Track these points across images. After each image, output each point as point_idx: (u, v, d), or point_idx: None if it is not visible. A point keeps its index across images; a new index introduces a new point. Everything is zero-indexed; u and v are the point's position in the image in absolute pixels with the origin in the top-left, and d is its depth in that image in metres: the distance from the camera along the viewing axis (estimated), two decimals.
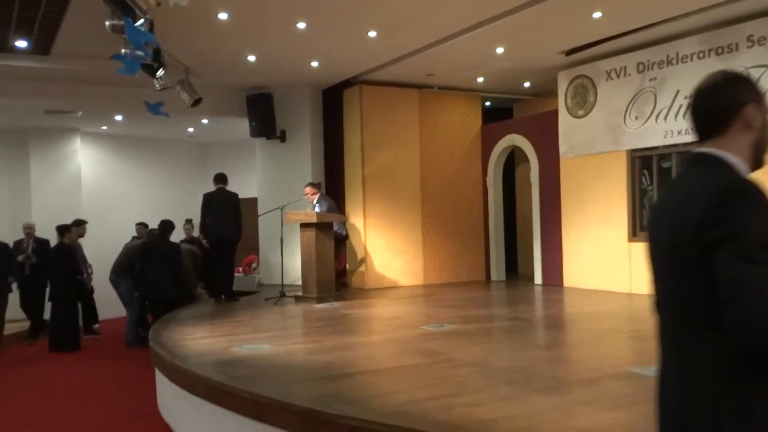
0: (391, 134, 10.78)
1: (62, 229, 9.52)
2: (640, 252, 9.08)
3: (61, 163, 11.94)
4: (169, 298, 8.86)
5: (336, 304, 8.75)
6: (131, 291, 9.44)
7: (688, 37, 8.33)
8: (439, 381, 4.51)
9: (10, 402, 6.64)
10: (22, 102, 9.78)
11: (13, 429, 5.73)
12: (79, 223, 10.12)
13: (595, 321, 7.09)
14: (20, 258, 9.76)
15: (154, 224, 9.92)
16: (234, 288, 9.59)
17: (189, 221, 11.02)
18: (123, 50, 6.04)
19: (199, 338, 6.46)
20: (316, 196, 9.66)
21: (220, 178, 9.48)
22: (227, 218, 9.19)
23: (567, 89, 9.96)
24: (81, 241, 10.17)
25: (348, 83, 10.74)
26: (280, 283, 9.85)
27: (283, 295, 9.17)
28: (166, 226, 9.31)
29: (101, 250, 10.80)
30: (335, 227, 9.33)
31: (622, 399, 3.95)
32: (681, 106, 8.47)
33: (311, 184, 9.81)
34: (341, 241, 9.81)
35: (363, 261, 10.57)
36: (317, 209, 9.33)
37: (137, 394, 6.69)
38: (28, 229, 10.11)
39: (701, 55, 8.22)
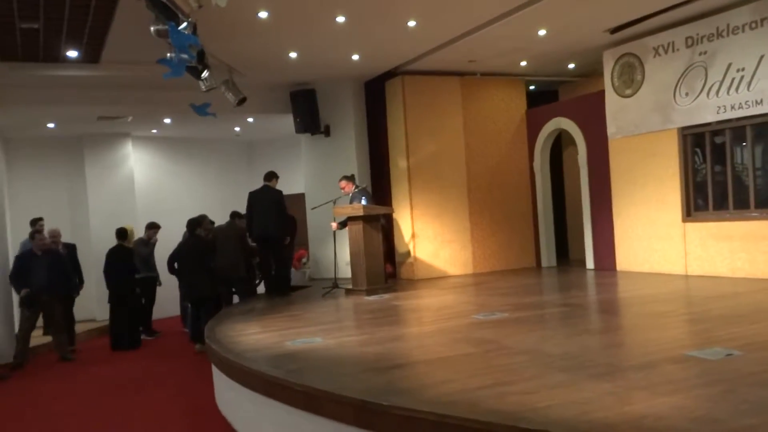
0: (434, 124, 10.73)
1: (121, 232, 9.86)
2: (695, 232, 8.84)
3: (114, 167, 12.29)
4: (205, 296, 8.89)
5: (386, 295, 8.79)
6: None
7: (738, 8, 8.04)
8: (491, 369, 4.49)
9: (76, 396, 6.90)
10: (76, 109, 10.09)
11: (79, 423, 5.96)
12: (151, 227, 10.46)
13: (650, 304, 6.95)
14: None
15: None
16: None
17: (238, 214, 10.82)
18: (168, 54, 6.17)
19: (252, 333, 6.56)
20: (351, 188, 9.66)
21: (267, 176, 9.56)
22: (269, 216, 9.24)
23: (613, 68, 9.74)
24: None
25: (390, 74, 10.74)
26: (329, 277, 9.94)
27: (336, 286, 9.26)
28: (192, 223, 9.28)
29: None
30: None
31: (679, 383, 3.86)
32: (733, 79, 8.19)
33: (345, 177, 9.81)
34: None
35: (411, 252, 10.58)
36: (362, 201, 9.35)
37: (196, 390, 6.86)
38: (55, 237, 9.51)
39: (753, 25, 7.92)
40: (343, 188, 9.73)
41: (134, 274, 9.78)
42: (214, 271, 9.11)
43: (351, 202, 9.51)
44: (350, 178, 9.82)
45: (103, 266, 9.79)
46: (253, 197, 9.41)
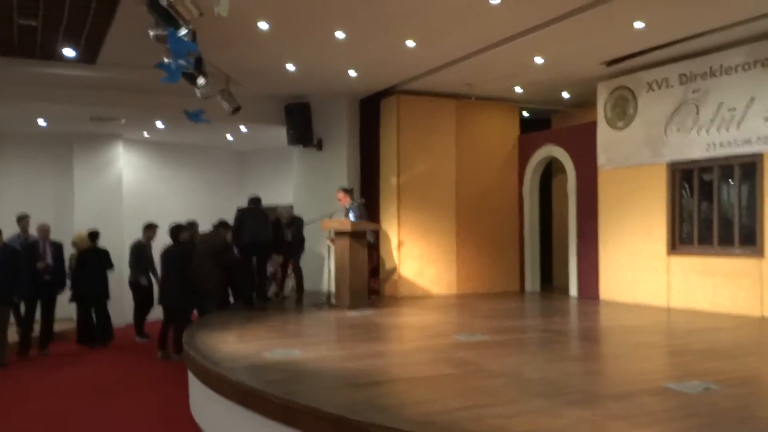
0: (427, 144, 10.78)
1: (94, 235, 9.91)
2: (678, 266, 8.90)
3: (103, 168, 12.22)
4: (175, 306, 8.57)
5: (368, 311, 8.76)
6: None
7: (733, 48, 8.16)
8: (470, 391, 4.48)
9: (46, 400, 6.79)
10: (69, 108, 10.04)
11: (49, 427, 5.86)
12: (150, 227, 10.42)
13: (631, 334, 6.97)
14: (39, 265, 9.09)
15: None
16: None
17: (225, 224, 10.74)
18: (166, 59, 6.17)
19: (231, 343, 6.52)
20: (348, 201, 9.68)
21: (255, 200, 9.62)
22: (264, 226, 9.35)
23: (607, 100, 9.84)
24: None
25: (385, 93, 10.79)
26: (316, 289, 9.89)
27: (329, 299, 9.24)
28: (175, 229, 9.03)
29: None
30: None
31: (657, 414, 3.86)
32: (724, 118, 8.29)
33: (344, 190, 9.84)
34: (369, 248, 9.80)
35: (396, 269, 10.57)
36: (351, 216, 9.36)
37: (170, 396, 6.79)
38: (44, 231, 9.34)
39: (746, 67, 8.04)
40: (340, 200, 9.72)
41: (106, 276, 9.81)
42: (191, 281, 8.75)
43: (346, 215, 9.51)
44: (348, 192, 9.83)
45: (74, 266, 9.79)
46: (245, 212, 9.49)
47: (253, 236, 9.25)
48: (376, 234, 10.52)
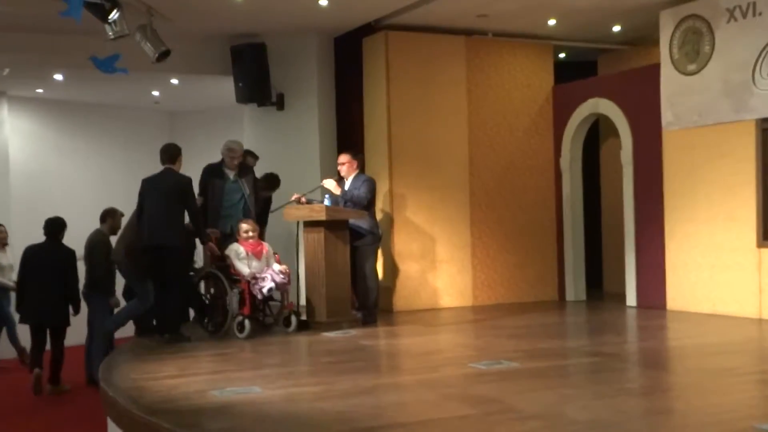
0: (428, 99, 10.75)
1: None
2: None
3: None
4: (56, 325, 9.21)
5: (352, 331, 8.75)
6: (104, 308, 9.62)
7: None
8: None
9: None
10: None
11: None
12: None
13: (711, 357, 7.00)
14: None
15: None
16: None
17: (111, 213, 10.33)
18: None
19: (166, 377, 6.49)
20: (354, 171, 9.55)
21: (166, 154, 8.73)
22: (165, 215, 8.46)
23: (672, 35, 9.84)
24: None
25: (369, 29, 10.74)
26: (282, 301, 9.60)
27: (302, 323, 8.89)
28: (54, 224, 9.41)
29: None
30: (365, 225, 9.31)
31: None
32: None
33: (351, 152, 9.69)
34: (376, 244, 9.70)
35: (390, 273, 10.58)
36: (356, 192, 9.22)
37: None
38: None
39: None
40: (342, 165, 9.53)
41: None
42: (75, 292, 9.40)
43: (346, 192, 9.30)
44: (356, 156, 9.69)
45: None
46: (146, 187, 8.64)
47: (150, 236, 8.42)
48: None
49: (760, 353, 7.38)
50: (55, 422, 8.03)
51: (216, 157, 9.74)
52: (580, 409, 5.23)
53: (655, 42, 10.23)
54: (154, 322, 8.91)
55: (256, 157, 10.40)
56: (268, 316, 9.05)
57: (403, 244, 10.62)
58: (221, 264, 8.76)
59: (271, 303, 9.01)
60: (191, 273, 9.15)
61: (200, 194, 9.17)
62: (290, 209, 9.21)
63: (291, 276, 8.82)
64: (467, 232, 10.97)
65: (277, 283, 8.44)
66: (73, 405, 8.66)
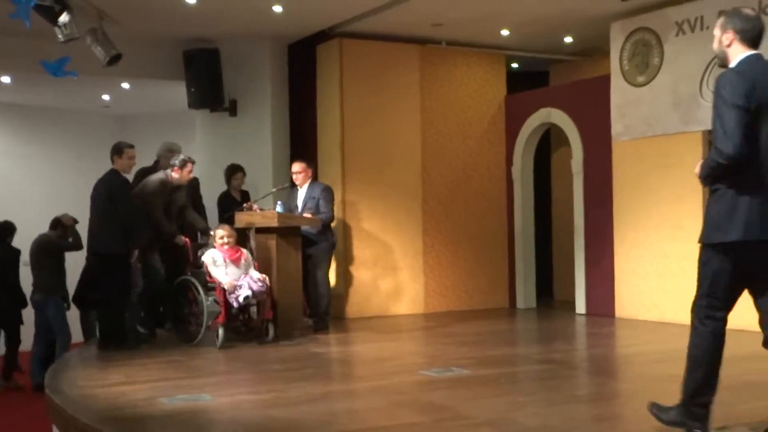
0: (381, 106, 10.77)
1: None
2: None
3: None
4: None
5: (303, 339, 8.72)
6: (62, 314, 9.74)
7: None
8: None
9: None
10: None
11: None
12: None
13: (657, 365, 7.09)
14: None
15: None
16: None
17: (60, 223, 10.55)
18: None
19: (114, 384, 6.43)
20: (308, 179, 9.56)
21: (112, 153, 8.46)
22: (98, 218, 8.33)
23: (623, 47, 9.98)
24: None
25: (323, 36, 10.73)
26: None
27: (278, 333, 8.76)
28: (4, 228, 9.88)
29: None
30: (321, 232, 9.31)
31: None
32: None
33: (304, 162, 9.65)
34: (330, 251, 9.71)
35: (342, 280, 10.55)
36: (318, 203, 9.26)
37: None
38: None
39: None
40: (299, 174, 9.51)
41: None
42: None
43: (303, 202, 9.37)
44: (310, 165, 9.70)
45: None
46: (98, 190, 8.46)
47: (89, 240, 8.62)
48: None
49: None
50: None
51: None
52: (530, 416, 5.27)
53: (606, 53, 10.36)
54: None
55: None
56: (247, 325, 8.71)
57: (355, 251, 10.61)
58: (196, 271, 8.53)
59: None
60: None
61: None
62: (242, 215, 9.16)
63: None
64: (419, 239, 11.00)
65: (254, 291, 8.11)
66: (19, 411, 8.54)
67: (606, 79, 10.24)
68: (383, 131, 10.79)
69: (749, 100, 4.17)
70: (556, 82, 12.40)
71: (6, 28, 8.41)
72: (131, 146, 8.49)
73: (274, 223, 8.81)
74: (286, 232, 8.95)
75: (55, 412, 5.94)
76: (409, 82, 10.98)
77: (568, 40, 11.13)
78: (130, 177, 8.80)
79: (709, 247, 4.53)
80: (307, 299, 9.56)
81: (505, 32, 10.65)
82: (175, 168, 8.77)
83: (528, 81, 12.19)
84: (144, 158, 9.61)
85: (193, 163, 8.95)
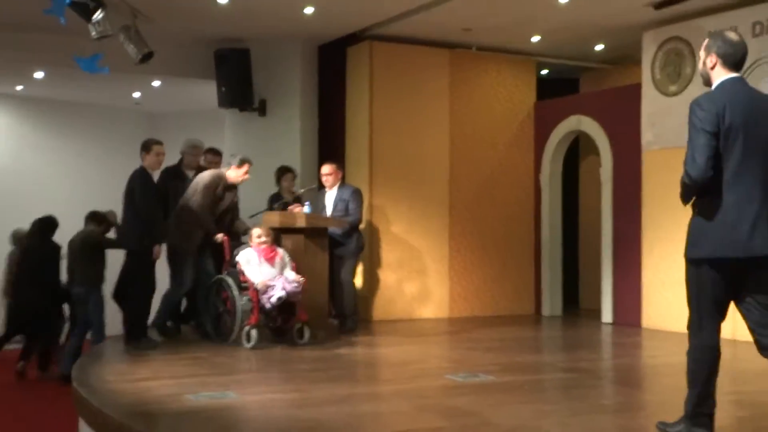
0: (410, 110, 10.78)
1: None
2: None
3: None
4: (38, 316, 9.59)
5: (328, 340, 8.72)
6: (101, 308, 9.66)
7: None
8: None
9: None
10: None
11: None
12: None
13: (684, 376, 7.02)
14: None
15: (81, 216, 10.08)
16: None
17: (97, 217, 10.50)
18: None
19: (141, 380, 6.48)
20: (338, 182, 9.58)
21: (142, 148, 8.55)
22: (123, 217, 8.63)
23: (655, 56, 9.93)
24: None
25: (354, 38, 10.77)
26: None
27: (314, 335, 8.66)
28: (47, 224, 9.73)
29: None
30: (349, 233, 9.33)
31: None
32: None
33: (333, 164, 9.67)
34: (358, 253, 9.73)
35: (368, 283, 10.56)
36: (348, 206, 9.29)
37: None
38: None
39: None
40: (329, 176, 9.55)
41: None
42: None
43: (333, 204, 9.42)
44: (340, 167, 9.74)
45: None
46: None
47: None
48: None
49: (733, 374, 7.40)
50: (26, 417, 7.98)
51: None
52: (555, 425, 5.25)
53: (637, 62, 10.32)
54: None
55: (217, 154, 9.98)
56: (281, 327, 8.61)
57: (381, 253, 10.62)
58: (233, 270, 8.44)
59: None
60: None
61: (161, 199, 8.85)
62: (269, 215, 9.19)
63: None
64: (446, 244, 10.99)
65: (287, 292, 7.97)
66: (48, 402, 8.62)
67: (636, 88, 10.20)
68: (412, 135, 10.80)
69: (717, 124, 4.32)
70: (586, 89, 12.36)
71: (40, 24, 8.50)
72: (160, 143, 8.53)
73: (302, 224, 8.84)
74: (314, 233, 8.97)
75: (81, 405, 5.98)
76: (438, 87, 10.98)
77: (599, 47, 11.09)
78: (156, 174, 8.84)
79: (689, 262, 4.57)
80: (332, 300, 9.59)
81: (535, 38, 10.64)
82: (233, 166, 8.78)
83: (558, 88, 12.16)
84: (173, 156, 9.67)
85: (250, 164, 8.87)
